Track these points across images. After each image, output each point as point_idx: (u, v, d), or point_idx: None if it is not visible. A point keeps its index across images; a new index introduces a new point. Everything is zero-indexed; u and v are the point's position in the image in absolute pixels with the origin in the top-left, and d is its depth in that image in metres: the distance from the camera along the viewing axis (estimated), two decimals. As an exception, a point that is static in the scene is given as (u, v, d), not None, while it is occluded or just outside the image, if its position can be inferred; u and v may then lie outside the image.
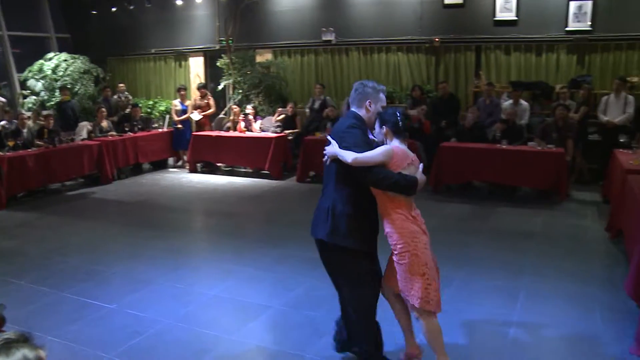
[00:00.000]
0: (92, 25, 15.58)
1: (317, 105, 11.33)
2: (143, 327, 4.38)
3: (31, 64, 13.82)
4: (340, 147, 3.29)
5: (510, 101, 9.96)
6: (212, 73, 14.21)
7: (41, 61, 13.79)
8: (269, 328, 4.46)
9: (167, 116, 12.77)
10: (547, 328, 4.38)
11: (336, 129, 3.46)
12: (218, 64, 13.03)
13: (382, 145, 3.38)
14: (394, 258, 3.34)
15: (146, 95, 15.20)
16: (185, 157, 11.96)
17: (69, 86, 12.96)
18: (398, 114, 3.40)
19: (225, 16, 13.43)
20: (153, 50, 15.07)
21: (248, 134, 10.98)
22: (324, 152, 3.41)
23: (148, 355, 3.97)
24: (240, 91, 12.72)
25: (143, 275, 5.59)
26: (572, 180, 9.30)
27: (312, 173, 10.32)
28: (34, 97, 13.55)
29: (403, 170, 3.28)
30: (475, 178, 9.26)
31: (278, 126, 11.13)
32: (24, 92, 13.84)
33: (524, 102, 10.03)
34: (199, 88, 12.34)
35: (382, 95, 3.49)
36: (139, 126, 11.48)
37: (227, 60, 12.81)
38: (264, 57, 13.23)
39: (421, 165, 3.41)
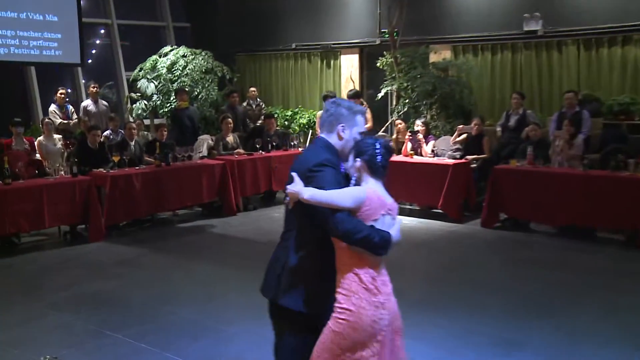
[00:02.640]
0: (218, 13, 16.41)
1: (513, 122, 11.00)
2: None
3: (143, 60, 14.74)
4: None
5: None
6: (370, 76, 14.39)
7: (155, 57, 14.67)
8: None
9: (310, 131, 12.94)
10: None
11: (301, 162, 3.58)
12: (378, 64, 13.15)
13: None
14: (330, 322, 3.45)
15: (284, 104, 15.72)
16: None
17: (187, 89, 13.54)
18: (378, 145, 3.52)
19: (389, 1, 13.54)
20: (294, 46, 15.59)
21: (416, 158, 10.84)
22: (286, 190, 3.48)
23: None
24: (407, 101, 12.69)
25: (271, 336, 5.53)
26: None
27: (503, 216, 9.99)
28: (145, 102, 14.42)
29: (375, 223, 3.39)
30: None
31: (457, 150, 10.92)
32: (133, 95, 14.80)
33: None
34: (351, 97, 12.33)
35: (359, 118, 3.61)
36: (274, 143, 11.72)
37: (391, 60, 12.88)
38: (440, 55, 13.15)
39: (399, 219, 3.52)
